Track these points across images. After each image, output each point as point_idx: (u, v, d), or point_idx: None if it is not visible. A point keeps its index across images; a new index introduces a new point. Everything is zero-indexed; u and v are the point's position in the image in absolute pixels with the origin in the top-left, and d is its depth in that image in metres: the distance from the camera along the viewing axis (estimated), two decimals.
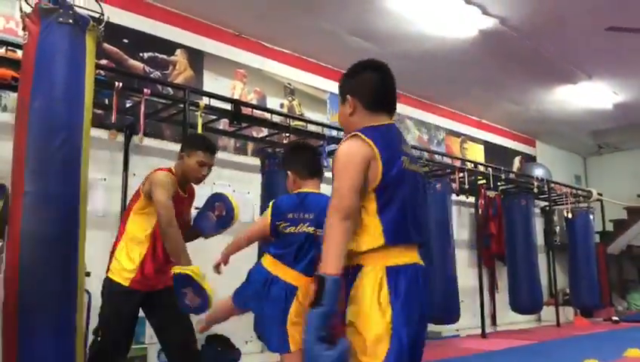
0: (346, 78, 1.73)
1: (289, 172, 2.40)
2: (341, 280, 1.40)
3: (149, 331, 4.02)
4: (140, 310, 2.65)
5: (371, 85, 1.69)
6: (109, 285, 2.54)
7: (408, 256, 1.53)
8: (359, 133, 1.55)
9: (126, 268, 2.52)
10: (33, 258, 2.41)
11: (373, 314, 1.42)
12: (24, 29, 2.68)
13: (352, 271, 1.49)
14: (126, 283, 2.50)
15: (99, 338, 2.53)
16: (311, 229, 2.25)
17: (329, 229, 1.45)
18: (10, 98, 3.74)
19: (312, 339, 1.34)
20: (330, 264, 1.40)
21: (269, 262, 2.29)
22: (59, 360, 2.41)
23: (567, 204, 7.98)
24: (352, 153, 1.52)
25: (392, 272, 1.47)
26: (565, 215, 7.97)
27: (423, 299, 1.53)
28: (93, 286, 3.36)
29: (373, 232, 1.49)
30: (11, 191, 2.56)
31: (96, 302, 2.84)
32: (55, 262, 2.44)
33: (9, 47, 3.39)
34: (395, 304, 1.42)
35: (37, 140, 2.51)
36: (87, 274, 3.48)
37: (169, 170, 2.68)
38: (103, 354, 2.48)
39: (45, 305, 2.40)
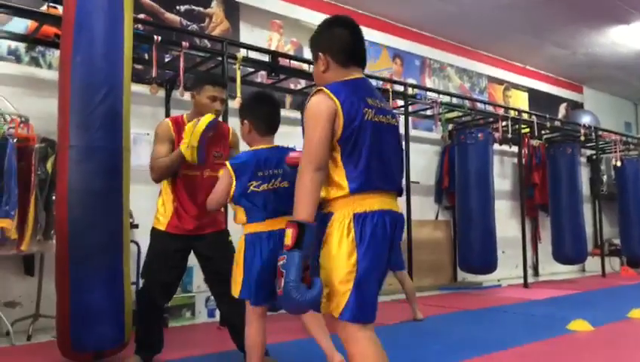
0: (316, 35, 1.75)
1: (246, 121, 2.27)
2: (314, 226, 1.52)
3: (197, 280, 4.18)
4: (189, 260, 2.73)
5: (342, 41, 1.71)
6: (151, 232, 2.64)
7: (377, 203, 1.60)
8: (324, 88, 1.60)
9: (162, 214, 2.61)
10: (80, 210, 2.50)
11: (340, 257, 1.53)
12: None
13: (323, 217, 1.59)
14: (162, 228, 2.60)
15: (142, 280, 2.64)
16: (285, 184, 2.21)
17: (301, 179, 1.54)
18: (55, 56, 3.81)
19: (295, 280, 1.42)
20: (304, 211, 1.51)
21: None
22: (108, 308, 2.53)
23: (616, 151, 7.70)
24: (318, 108, 1.59)
25: (359, 218, 1.56)
26: (614, 163, 7.70)
27: (391, 244, 1.63)
28: (142, 237, 3.50)
29: (339, 181, 1.58)
30: (58, 145, 2.63)
31: (144, 253, 2.94)
32: (101, 214, 2.53)
33: (50, 4, 3.43)
34: (360, 247, 1.53)
35: (80, 95, 2.57)
36: (135, 226, 3.63)
37: (177, 117, 2.70)
38: (145, 294, 2.60)
39: (93, 255, 2.50)
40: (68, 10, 2.67)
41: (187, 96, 3.88)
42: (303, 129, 1.64)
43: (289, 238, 1.47)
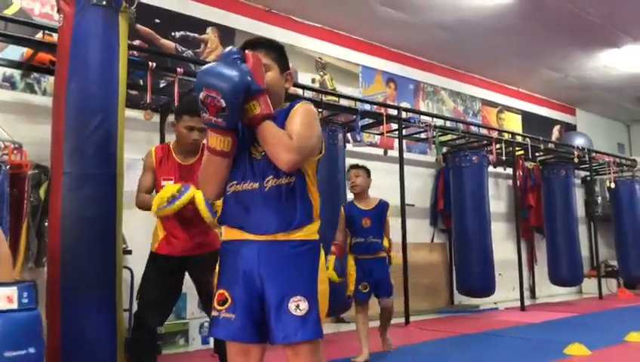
0: (280, 45, 1.72)
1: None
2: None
3: (191, 307, 4.14)
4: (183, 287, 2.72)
5: None
6: (149, 255, 2.66)
7: None
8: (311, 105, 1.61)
9: (156, 237, 2.67)
10: (73, 237, 2.49)
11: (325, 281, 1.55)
12: (59, 11, 2.73)
13: (314, 245, 1.55)
14: (154, 249, 2.65)
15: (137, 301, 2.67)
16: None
17: (284, 147, 1.46)
18: (49, 82, 3.83)
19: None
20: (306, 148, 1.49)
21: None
22: (100, 336, 2.51)
23: (609, 173, 7.73)
24: (317, 117, 1.58)
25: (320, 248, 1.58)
26: (608, 185, 7.72)
27: None
28: (135, 263, 3.47)
29: (315, 205, 1.56)
30: (51, 171, 2.63)
31: (138, 279, 2.92)
32: (94, 241, 2.52)
33: (46, 32, 3.46)
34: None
35: (74, 122, 2.57)
36: (128, 252, 3.60)
37: (163, 146, 2.80)
38: (138, 315, 2.61)
39: (85, 283, 2.48)
40: (63, 38, 2.69)
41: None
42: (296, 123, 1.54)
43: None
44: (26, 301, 1.43)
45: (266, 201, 1.49)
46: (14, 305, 1.37)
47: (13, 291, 1.40)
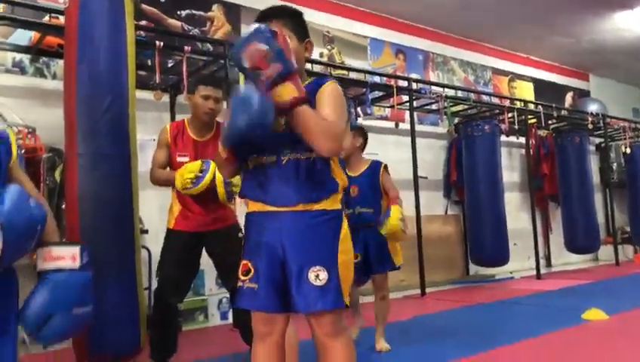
0: (302, 17, 1.62)
1: None
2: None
3: (209, 283, 4.19)
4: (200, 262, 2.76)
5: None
6: (165, 232, 2.69)
7: None
8: (336, 82, 1.55)
9: (172, 213, 2.70)
10: (91, 217, 2.51)
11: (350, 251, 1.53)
12: None
13: (336, 215, 1.53)
14: (171, 226, 2.69)
15: (157, 278, 2.71)
16: None
17: (328, 126, 1.42)
18: (59, 65, 3.83)
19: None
20: (337, 134, 1.44)
21: None
22: (122, 313, 2.55)
23: (625, 138, 7.63)
24: (344, 98, 1.54)
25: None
26: (623, 150, 7.63)
27: None
28: (151, 243, 3.52)
29: (338, 179, 1.54)
30: (66, 154, 2.65)
31: (155, 258, 2.96)
32: (112, 221, 2.54)
33: (52, 14, 3.45)
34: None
35: (85, 103, 2.58)
36: (145, 232, 3.64)
37: (178, 123, 2.81)
38: (158, 292, 2.65)
39: (105, 262, 2.50)
40: (70, 20, 2.68)
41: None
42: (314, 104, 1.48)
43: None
44: (85, 260, 1.50)
45: (283, 175, 1.48)
46: (77, 264, 1.44)
47: (76, 250, 1.46)
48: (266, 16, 1.55)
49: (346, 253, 1.50)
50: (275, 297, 1.46)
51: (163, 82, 3.98)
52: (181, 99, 4.02)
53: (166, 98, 4.27)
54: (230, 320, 3.85)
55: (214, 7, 4.90)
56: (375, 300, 2.99)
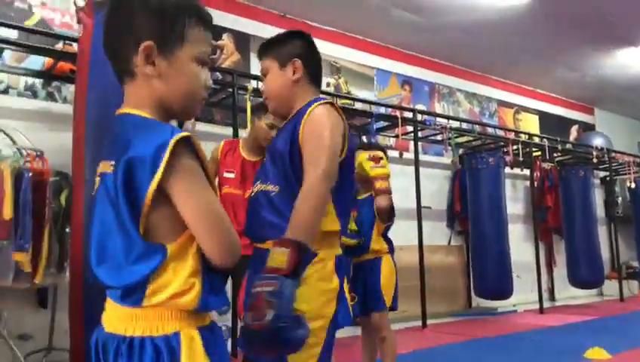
0: (289, 38, 1.53)
1: None
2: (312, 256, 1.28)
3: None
4: None
5: (318, 54, 1.54)
6: None
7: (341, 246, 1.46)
8: (332, 102, 1.45)
9: None
10: None
11: (317, 306, 1.33)
12: (79, 22, 2.78)
13: None
14: None
15: None
16: None
17: (315, 191, 1.30)
18: (70, 90, 3.90)
19: (289, 315, 1.15)
20: (310, 232, 1.27)
21: None
22: None
23: (630, 173, 7.62)
24: (336, 119, 1.41)
25: (339, 263, 1.40)
26: (628, 185, 7.62)
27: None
28: None
29: (331, 214, 1.39)
30: (73, 178, 2.68)
31: None
32: None
33: (66, 42, 3.52)
34: (340, 301, 1.37)
35: (94, 130, 2.61)
36: None
37: (233, 140, 2.95)
38: None
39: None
40: (83, 48, 2.74)
41: (198, 126, 3.94)
42: (295, 140, 1.41)
43: (284, 261, 1.19)
44: None
45: (250, 206, 1.49)
46: None
47: None
48: (260, 53, 1.57)
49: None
50: None
51: None
52: (189, 125, 4.07)
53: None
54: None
55: (225, 35, 4.99)
56: (377, 341, 2.73)
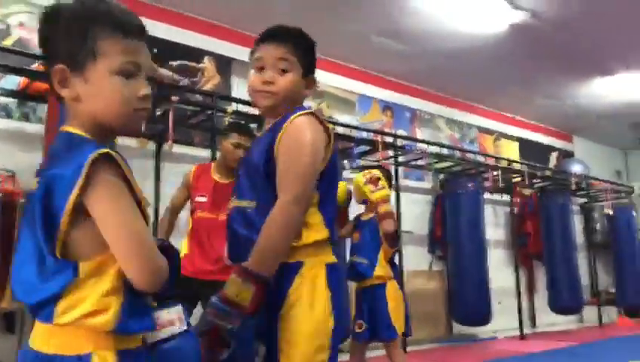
0: (313, 48, 1.47)
1: None
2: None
3: None
4: None
5: (314, 53, 1.48)
6: None
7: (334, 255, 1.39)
8: (315, 114, 1.40)
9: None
10: None
11: (315, 321, 1.27)
12: None
13: (287, 269, 1.29)
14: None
15: None
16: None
17: (286, 220, 1.24)
18: (45, 110, 3.84)
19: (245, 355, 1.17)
20: (275, 263, 1.22)
21: None
22: None
23: (607, 200, 7.72)
24: (318, 136, 1.35)
25: (331, 270, 1.34)
26: (606, 211, 7.71)
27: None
28: None
29: (316, 224, 1.34)
30: None
31: None
32: None
33: (41, 62, 3.48)
34: (335, 309, 1.30)
35: None
36: None
37: (206, 164, 2.97)
38: None
39: None
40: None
41: (177, 149, 3.91)
42: (270, 153, 1.35)
43: (248, 300, 1.15)
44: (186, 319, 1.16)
45: (227, 224, 1.44)
46: (185, 326, 1.11)
47: (180, 309, 1.13)
48: (272, 36, 1.42)
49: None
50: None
51: (150, 130, 4.01)
52: (167, 147, 4.03)
53: (152, 146, 4.28)
54: None
55: (206, 58, 4.99)
56: None
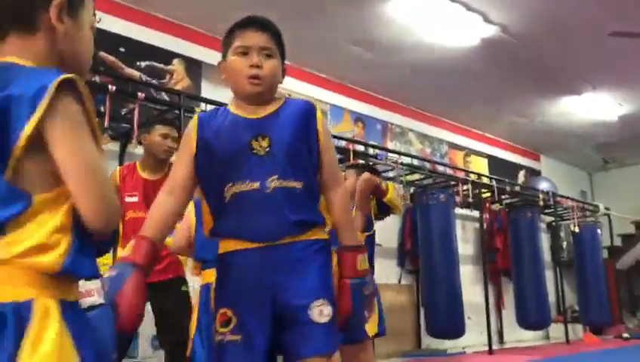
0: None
1: None
2: None
3: (143, 344, 3.89)
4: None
5: None
6: None
7: None
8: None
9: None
10: None
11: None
12: None
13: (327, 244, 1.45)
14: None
15: None
16: None
17: (346, 205, 1.47)
18: None
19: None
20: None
21: None
22: None
23: (573, 218, 7.83)
24: None
25: None
26: (572, 229, 7.81)
27: None
28: None
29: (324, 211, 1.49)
30: None
31: None
32: None
33: None
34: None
35: None
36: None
37: (129, 164, 2.82)
38: None
39: None
40: None
41: (140, 149, 3.77)
42: (313, 136, 1.43)
43: (366, 265, 1.42)
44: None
45: (267, 204, 1.32)
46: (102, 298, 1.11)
47: (99, 283, 1.12)
48: (256, 23, 1.45)
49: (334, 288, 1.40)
50: (262, 348, 1.28)
51: (114, 130, 3.87)
52: (131, 148, 3.89)
53: (116, 147, 4.13)
54: None
55: (175, 61, 4.88)
56: None
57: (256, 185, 1.33)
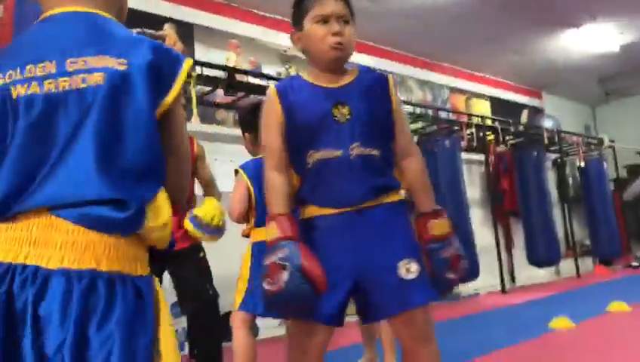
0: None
1: (247, 134, 2.35)
2: None
3: None
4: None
5: None
6: None
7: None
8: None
9: None
10: None
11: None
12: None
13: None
14: None
15: None
16: None
17: (423, 173, 1.55)
18: None
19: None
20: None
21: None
22: None
23: (579, 153, 7.80)
24: None
25: None
26: (578, 164, 7.80)
27: None
28: None
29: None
30: None
31: None
32: None
33: None
34: None
35: None
36: None
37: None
38: None
39: None
40: (3, 30, 2.53)
41: None
42: (389, 104, 1.50)
43: (448, 227, 1.50)
44: None
45: (350, 170, 1.37)
46: None
47: None
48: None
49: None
50: (335, 312, 1.33)
51: None
52: None
53: None
54: (186, 351, 3.62)
55: (166, 25, 4.78)
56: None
57: (339, 152, 1.37)
